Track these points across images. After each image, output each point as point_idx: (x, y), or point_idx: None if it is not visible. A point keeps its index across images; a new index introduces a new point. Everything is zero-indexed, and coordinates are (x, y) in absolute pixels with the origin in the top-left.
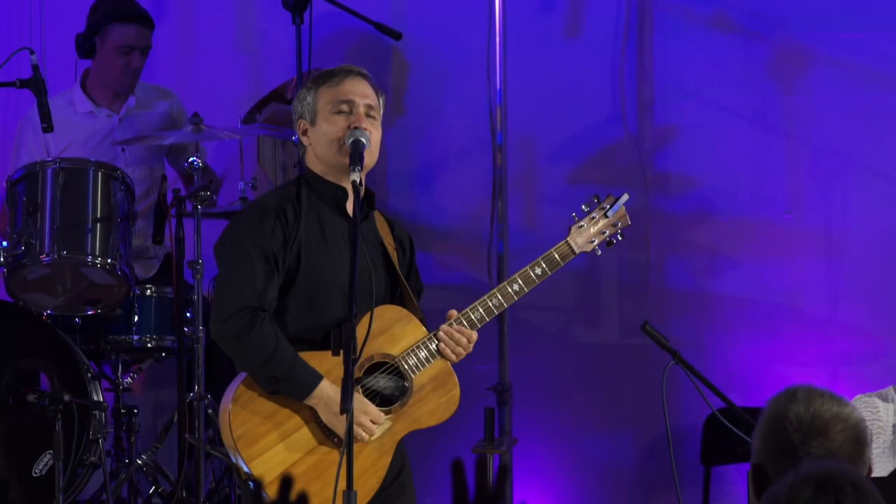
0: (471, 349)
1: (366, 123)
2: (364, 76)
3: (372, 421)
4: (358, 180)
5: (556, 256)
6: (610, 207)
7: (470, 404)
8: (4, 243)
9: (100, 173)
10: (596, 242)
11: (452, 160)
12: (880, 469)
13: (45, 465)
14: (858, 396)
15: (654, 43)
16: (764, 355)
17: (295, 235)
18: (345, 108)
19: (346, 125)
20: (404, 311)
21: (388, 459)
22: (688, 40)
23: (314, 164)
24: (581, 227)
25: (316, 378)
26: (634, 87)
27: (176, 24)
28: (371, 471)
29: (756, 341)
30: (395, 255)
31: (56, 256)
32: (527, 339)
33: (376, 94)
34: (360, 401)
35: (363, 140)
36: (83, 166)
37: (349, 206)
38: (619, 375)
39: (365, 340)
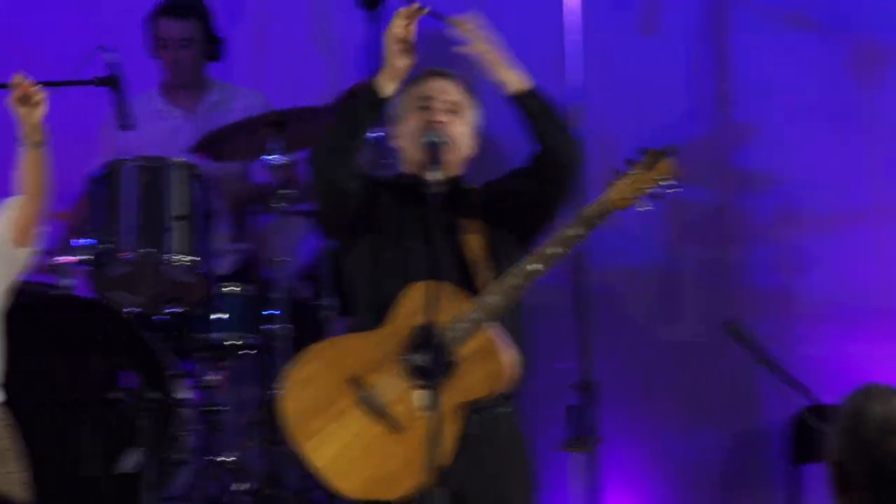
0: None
1: (444, 117)
2: (445, 75)
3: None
4: (439, 179)
5: (592, 215)
6: (652, 160)
7: (551, 403)
8: (88, 241)
9: (180, 171)
10: (634, 198)
11: None
12: None
13: (131, 462)
14: None
15: (731, 40)
16: (851, 353)
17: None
18: (424, 104)
19: (424, 121)
20: (451, 286)
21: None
22: (766, 37)
23: (403, 164)
24: (615, 184)
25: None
26: (712, 85)
27: (252, 24)
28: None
29: (843, 338)
30: (477, 240)
31: (137, 255)
32: (607, 337)
33: (462, 89)
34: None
35: (437, 140)
36: (163, 164)
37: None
38: (702, 373)
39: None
